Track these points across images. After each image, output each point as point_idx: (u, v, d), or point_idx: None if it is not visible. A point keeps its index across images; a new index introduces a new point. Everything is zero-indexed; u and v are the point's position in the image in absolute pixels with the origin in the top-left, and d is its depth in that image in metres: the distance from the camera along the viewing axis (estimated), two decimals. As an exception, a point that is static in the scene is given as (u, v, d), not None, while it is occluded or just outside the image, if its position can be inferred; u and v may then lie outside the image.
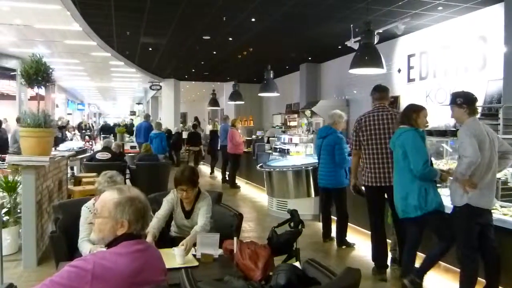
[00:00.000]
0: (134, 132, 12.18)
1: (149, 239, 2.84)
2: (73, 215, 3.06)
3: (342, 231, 5.07)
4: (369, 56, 5.70)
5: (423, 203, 3.34)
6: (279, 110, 13.35)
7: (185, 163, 13.11)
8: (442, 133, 4.69)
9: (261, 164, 7.33)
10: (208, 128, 15.70)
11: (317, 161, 5.55)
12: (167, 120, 14.01)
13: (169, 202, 3.25)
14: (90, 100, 31.20)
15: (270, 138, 10.22)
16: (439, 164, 4.31)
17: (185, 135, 14.33)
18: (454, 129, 4.78)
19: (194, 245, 2.80)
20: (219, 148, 10.90)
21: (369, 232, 4.27)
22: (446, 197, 3.49)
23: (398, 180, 3.50)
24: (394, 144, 3.54)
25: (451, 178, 3.31)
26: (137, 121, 27.54)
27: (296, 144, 7.70)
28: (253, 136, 11.44)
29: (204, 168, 13.46)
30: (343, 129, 5.29)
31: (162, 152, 10.11)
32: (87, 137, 13.33)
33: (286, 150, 7.84)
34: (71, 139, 12.30)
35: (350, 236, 5.25)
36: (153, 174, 7.70)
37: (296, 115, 11.41)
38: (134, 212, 1.67)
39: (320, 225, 5.51)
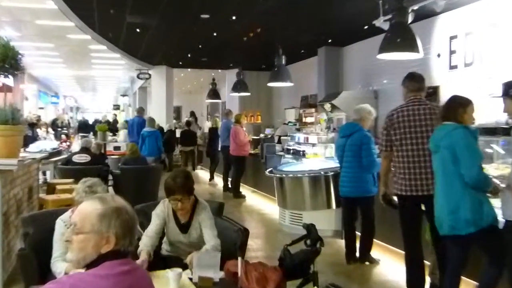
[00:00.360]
0: (127, 129, 12.25)
1: (143, 257, 2.85)
2: (46, 229, 3.08)
3: (366, 246, 5.11)
4: (402, 38, 5.66)
5: (478, 217, 3.25)
6: (293, 103, 13.33)
7: (179, 167, 13.16)
8: (491, 131, 4.65)
9: (270, 169, 7.33)
10: (206, 125, 15.73)
11: (339, 165, 5.54)
12: (158, 116, 13.97)
13: (160, 216, 3.26)
14: (66, 91, 31.42)
15: (282, 137, 10.21)
16: (488, 169, 4.27)
17: (179, 133, 14.38)
18: (506, 126, 4.72)
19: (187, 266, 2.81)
20: (219, 149, 10.91)
21: (402, 252, 4.24)
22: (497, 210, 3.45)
23: (445, 189, 3.41)
24: (437, 144, 3.47)
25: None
26: (121, 116, 27.74)
27: (313, 145, 7.69)
28: (261, 135, 11.43)
29: (202, 173, 13.49)
30: (370, 127, 5.28)
31: (157, 154, 10.16)
32: (64, 136, 13.40)
33: (301, 152, 7.83)
34: (45, 138, 12.38)
35: (377, 255, 5.25)
36: (141, 181, 7.74)
37: (313, 110, 11.38)
38: (121, 224, 1.68)
39: (342, 242, 5.50)
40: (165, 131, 13.69)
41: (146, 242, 3.06)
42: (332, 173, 6.19)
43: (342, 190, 5.26)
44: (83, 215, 1.69)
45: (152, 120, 10.79)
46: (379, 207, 4.66)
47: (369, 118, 5.20)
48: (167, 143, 12.99)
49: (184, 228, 3.28)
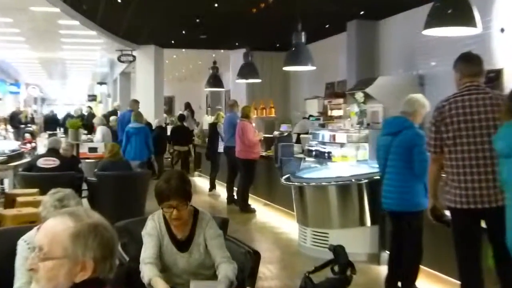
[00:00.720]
0: (117, 125, 12.34)
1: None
2: (4, 252, 3.09)
3: (411, 273, 5.07)
4: (454, 8, 5.62)
5: None
6: (315, 92, 13.31)
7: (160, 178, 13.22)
8: None
9: (287, 176, 7.32)
10: (206, 120, 15.74)
11: (375, 170, 5.51)
12: (145, 109, 14.00)
13: (153, 235, 3.27)
14: (29, 79, 31.66)
15: (302, 136, 10.17)
16: None
17: (169, 130, 14.42)
18: None
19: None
20: (222, 150, 10.93)
21: (456, 281, 4.21)
22: None
23: None
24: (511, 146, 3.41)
25: None
26: (98, 109, 27.89)
27: (341, 145, 7.64)
28: (275, 133, 11.39)
29: (201, 182, 13.49)
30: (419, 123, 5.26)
31: (146, 157, 10.17)
32: (28, 136, 13.49)
33: (326, 154, 7.79)
34: (4, 138, 12.49)
35: (424, 285, 5.21)
36: (123, 191, 7.78)
37: (341, 100, 11.35)
38: (100, 245, 1.68)
39: (379, 269, 5.48)
40: (153, 128, 13.74)
41: (154, 271, 3.09)
42: (366, 180, 6.17)
43: (385, 203, 5.23)
44: (52, 235, 1.69)
45: (139, 115, 10.82)
46: (427, 224, 4.63)
47: (422, 113, 5.17)
48: (157, 143, 13.06)
49: (183, 245, 3.29)
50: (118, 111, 18.16)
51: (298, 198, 6.92)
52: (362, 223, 6.28)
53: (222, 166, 11.26)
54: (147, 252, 3.21)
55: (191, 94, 21.75)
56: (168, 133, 14.55)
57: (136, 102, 12.36)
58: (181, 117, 14.36)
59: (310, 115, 12.35)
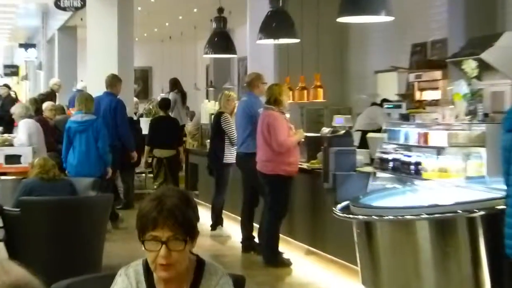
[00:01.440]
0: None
1: None
2: None
3: None
4: None
5: None
6: (393, 60, 13.32)
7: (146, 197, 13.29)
8: None
9: (346, 203, 7.31)
10: (206, 108, 15.76)
11: (499, 194, 5.50)
12: (101, 88, 14.14)
13: None
14: None
15: (369, 135, 10.17)
16: None
17: (146, 126, 14.47)
18: None
19: None
20: (234, 159, 10.96)
21: None
22: None
23: None
24: None
25: None
26: (23, 90, 28.07)
27: (439, 150, 7.66)
28: (325, 130, 11.42)
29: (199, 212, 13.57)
30: None
31: (101, 171, 10.26)
32: None
33: (412, 166, 7.80)
34: None
35: None
36: (63, 229, 7.86)
37: (439, 74, 11.36)
38: None
39: None
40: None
41: None
42: (483, 212, 6.10)
43: (508, 246, 5.22)
44: None
45: (87, 99, 10.84)
46: None
47: None
48: (122, 147, 13.14)
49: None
50: (57, 94, 18.25)
51: (363, 242, 6.90)
52: (477, 284, 6.24)
53: (233, 187, 11.33)
54: None
55: (181, 65, 21.88)
56: (145, 131, 14.59)
57: (117, 79, 12.37)
58: (165, 103, 14.36)
59: (384, 100, 12.36)
